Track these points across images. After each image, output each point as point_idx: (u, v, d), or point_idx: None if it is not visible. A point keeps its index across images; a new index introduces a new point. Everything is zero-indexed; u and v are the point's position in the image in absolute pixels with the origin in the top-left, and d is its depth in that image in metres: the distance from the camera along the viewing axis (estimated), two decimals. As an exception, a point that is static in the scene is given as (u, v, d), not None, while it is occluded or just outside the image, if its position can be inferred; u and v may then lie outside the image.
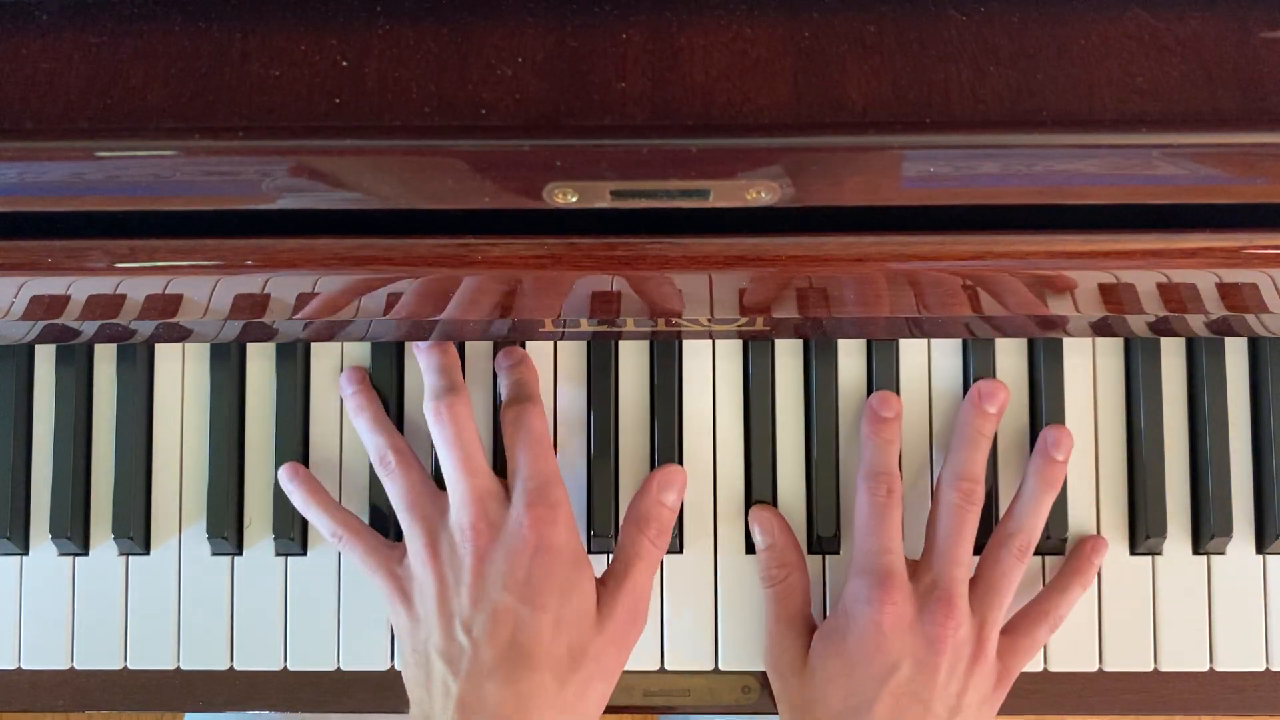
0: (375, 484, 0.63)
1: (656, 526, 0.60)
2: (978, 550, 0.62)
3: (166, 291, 0.52)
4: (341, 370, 0.64)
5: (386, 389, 0.64)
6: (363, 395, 0.63)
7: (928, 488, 0.64)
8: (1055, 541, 0.63)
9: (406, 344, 0.65)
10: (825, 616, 0.62)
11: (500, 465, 0.63)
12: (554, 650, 0.56)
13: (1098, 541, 0.63)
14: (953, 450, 0.62)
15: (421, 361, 0.62)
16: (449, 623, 0.57)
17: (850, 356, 0.64)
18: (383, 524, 0.63)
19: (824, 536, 0.63)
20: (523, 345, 0.64)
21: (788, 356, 0.64)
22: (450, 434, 0.60)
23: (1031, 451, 0.63)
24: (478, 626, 0.56)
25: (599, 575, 0.60)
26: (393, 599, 0.60)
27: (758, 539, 0.63)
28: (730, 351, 0.65)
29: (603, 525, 0.63)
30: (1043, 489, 0.61)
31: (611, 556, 0.61)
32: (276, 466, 0.64)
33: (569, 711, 0.57)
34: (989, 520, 0.62)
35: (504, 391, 0.63)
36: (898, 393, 0.63)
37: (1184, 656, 0.63)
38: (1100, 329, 0.60)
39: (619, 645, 0.59)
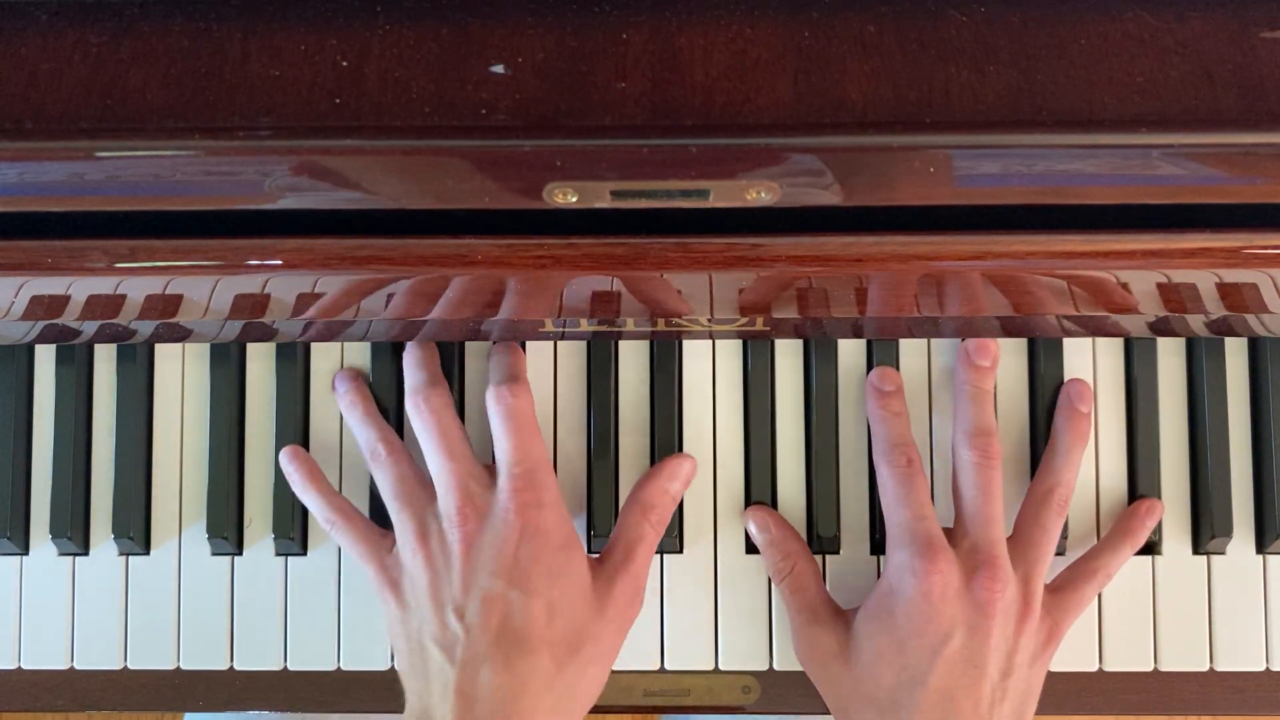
0: (375, 482, 0.63)
1: (659, 513, 0.61)
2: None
3: (166, 291, 0.52)
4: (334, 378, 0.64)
5: (386, 389, 0.64)
6: (355, 392, 0.63)
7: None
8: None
9: (407, 344, 0.65)
10: (834, 609, 0.62)
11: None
12: (549, 634, 0.56)
13: (1154, 504, 0.62)
14: (958, 412, 0.61)
15: (406, 355, 0.62)
16: (441, 610, 0.57)
17: (850, 356, 0.64)
18: (382, 521, 0.63)
19: (824, 536, 0.63)
20: (523, 345, 0.64)
21: (788, 356, 0.64)
22: (430, 422, 0.60)
23: (1054, 414, 0.63)
24: (470, 613, 0.56)
25: (596, 555, 0.60)
26: (383, 589, 0.60)
27: (756, 537, 0.63)
28: (730, 351, 0.65)
29: (603, 525, 0.63)
30: (1074, 441, 0.61)
31: (612, 536, 0.61)
32: (277, 467, 0.64)
33: (567, 693, 0.57)
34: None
35: (490, 374, 0.62)
36: (905, 405, 0.63)
37: (1184, 656, 0.63)
38: (1100, 329, 0.60)
39: (618, 626, 0.59)
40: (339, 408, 0.64)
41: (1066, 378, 0.63)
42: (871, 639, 0.58)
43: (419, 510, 0.59)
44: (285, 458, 0.63)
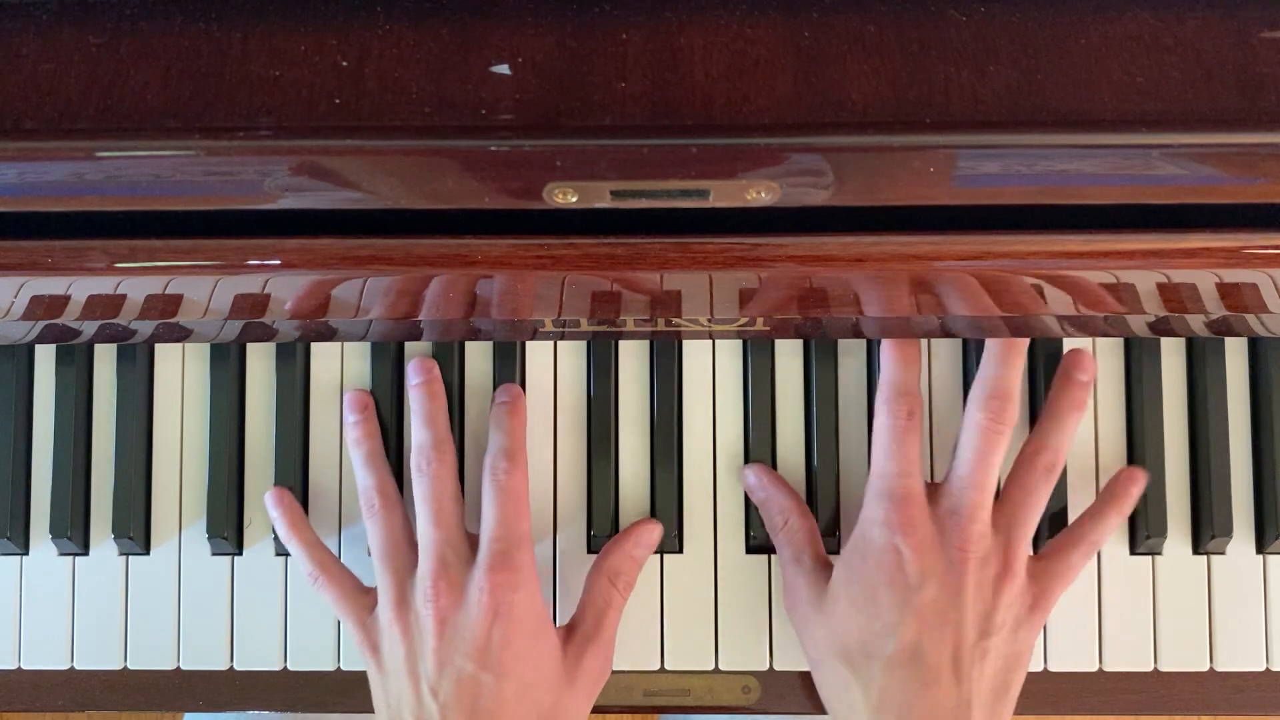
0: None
1: (625, 578, 0.61)
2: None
3: (166, 291, 0.52)
4: (342, 370, 0.64)
5: (386, 391, 0.64)
6: (364, 427, 0.63)
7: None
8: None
9: (406, 344, 0.65)
10: (822, 560, 0.62)
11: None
12: (521, 711, 0.57)
13: (1134, 471, 0.62)
14: (983, 367, 0.60)
15: (412, 401, 0.62)
16: (417, 685, 0.57)
17: (850, 356, 0.64)
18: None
19: (825, 535, 0.63)
20: (523, 345, 0.64)
21: (788, 356, 0.64)
22: (427, 488, 0.60)
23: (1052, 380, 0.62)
24: (444, 692, 0.57)
25: (565, 624, 0.61)
26: (363, 648, 0.60)
27: (752, 495, 0.63)
28: (730, 351, 0.65)
29: (601, 526, 0.63)
30: (1068, 409, 0.61)
31: (580, 604, 0.61)
32: (277, 466, 0.64)
33: None
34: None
35: (491, 438, 0.62)
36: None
37: (1184, 656, 0.63)
38: (1100, 329, 0.60)
39: (588, 695, 0.60)
40: (344, 436, 0.64)
41: (1066, 377, 0.63)
42: (845, 587, 0.58)
43: (400, 574, 0.59)
44: (270, 501, 0.63)
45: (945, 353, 0.64)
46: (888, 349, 0.60)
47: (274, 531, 0.63)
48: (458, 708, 0.56)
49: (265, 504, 0.63)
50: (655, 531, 0.62)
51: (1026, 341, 0.60)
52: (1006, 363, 0.59)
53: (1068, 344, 0.64)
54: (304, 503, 0.64)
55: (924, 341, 0.64)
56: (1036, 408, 0.64)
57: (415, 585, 0.59)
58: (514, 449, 0.61)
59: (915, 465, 0.59)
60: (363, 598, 0.61)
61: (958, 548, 0.57)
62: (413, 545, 0.60)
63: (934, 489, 0.60)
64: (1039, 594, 0.59)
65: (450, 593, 0.58)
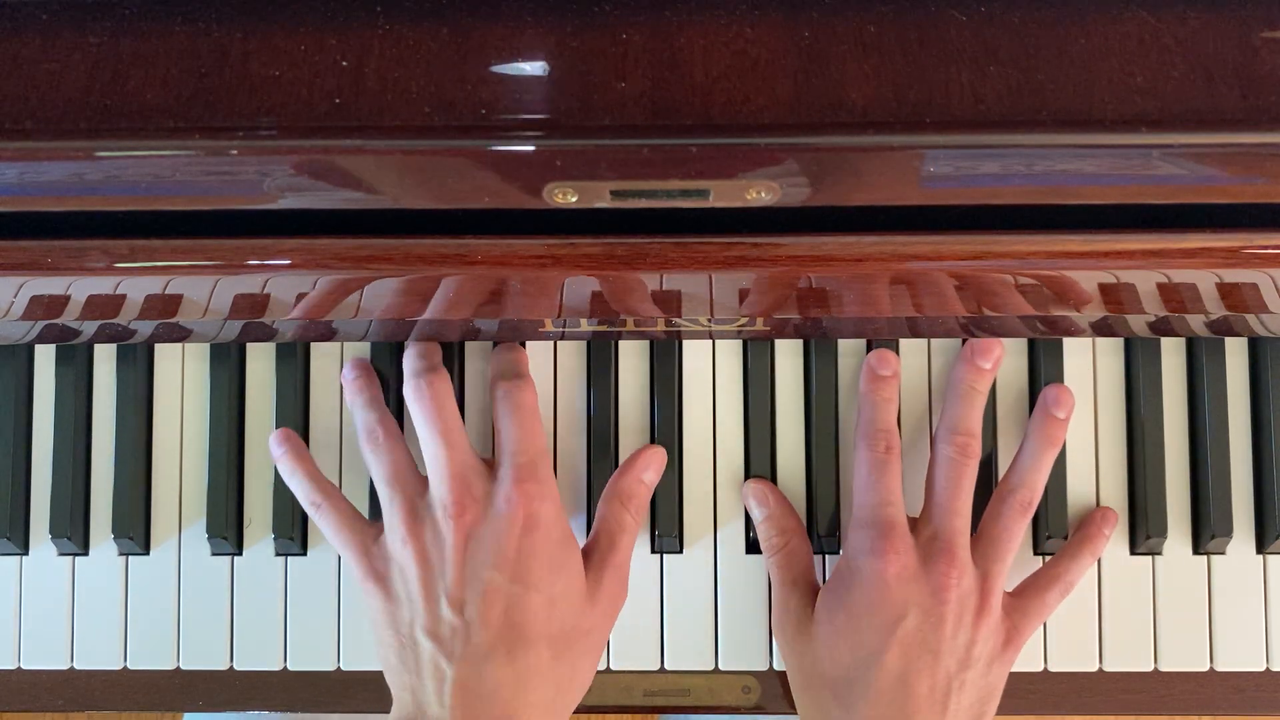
0: (369, 466, 0.62)
1: (637, 502, 0.61)
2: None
3: (166, 291, 0.52)
4: (342, 370, 0.64)
5: (385, 388, 0.64)
6: (363, 379, 0.63)
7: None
8: (1058, 541, 0.63)
9: (407, 344, 0.64)
10: (813, 586, 0.62)
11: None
12: (549, 628, 0.56)
13: (1107, 512, 0.63)
14: (947, 406, 0.62)
15: (406, 352, 0.62)
16: (434, 603, 0.56)
17: (850, 356, 0.64)
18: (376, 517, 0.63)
19: (824, 536, 0.63)
20: (523, 345, 0.64)
21: (788, 356, 0.64)
22: (429, 408, 0.59)
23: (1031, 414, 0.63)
24: (470, 606, 0.56)
25: (583, 546, 0.61)
26: (366, 579, 0.58)
27: (754, 511, 0.63)
28: (730, 351, 0.65)
29: (603, 525, 0.63)
30: (1043, 446, 0.61)
31: (594, 529, 0.61)
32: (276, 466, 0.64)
33: (564, 684, 0.57)
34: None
35: (492, 371, 0.62)
36: (898, 393, 0.63)
37: (1184, 656, 0.63)
38: (1100, 329, 0.60)
39: (608, 617, 0.60)
40: (345, 395, 0.63)
41: (1067, 378, 0.63)
42: (830, 614, 0.59)
43: (410, 495, 0.59)
44: (274, 439, 0.62)
45: (946, 353, 0.64)
46: (865, 388, 0.62)
47: (274, 532, 0.64)
48: (484, 623, 0.55)
49: (270, 445, 0.62)
50: (660, 454, 0.63)
51: (988, 384, 0.62)
52: (969, 403, 0.61)
53: (1068, 370, 0.64)
54: (304, 503, 0.64)
55: (924, 341, 0.64)
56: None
57: (432, 504, 0.58)
58: (521, 371, 0.61)
59: (896, 495, 0.60)
60: (366, 527, 0.60)
61: (940, 576, 0.58)
62: (419, 474, 0.60)
63: (912, 522, 0.60)
64: (1011, 629, 0.60)
65: (474, 506, 0.57)
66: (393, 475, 0.59)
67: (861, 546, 0.59)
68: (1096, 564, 0.63)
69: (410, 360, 0.61)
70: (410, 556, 0.57)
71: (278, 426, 0.64)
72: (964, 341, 0.63)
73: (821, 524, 0.63)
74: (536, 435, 0.59)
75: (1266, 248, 0.48)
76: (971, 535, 0.60)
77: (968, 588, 0.58)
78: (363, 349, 0.65)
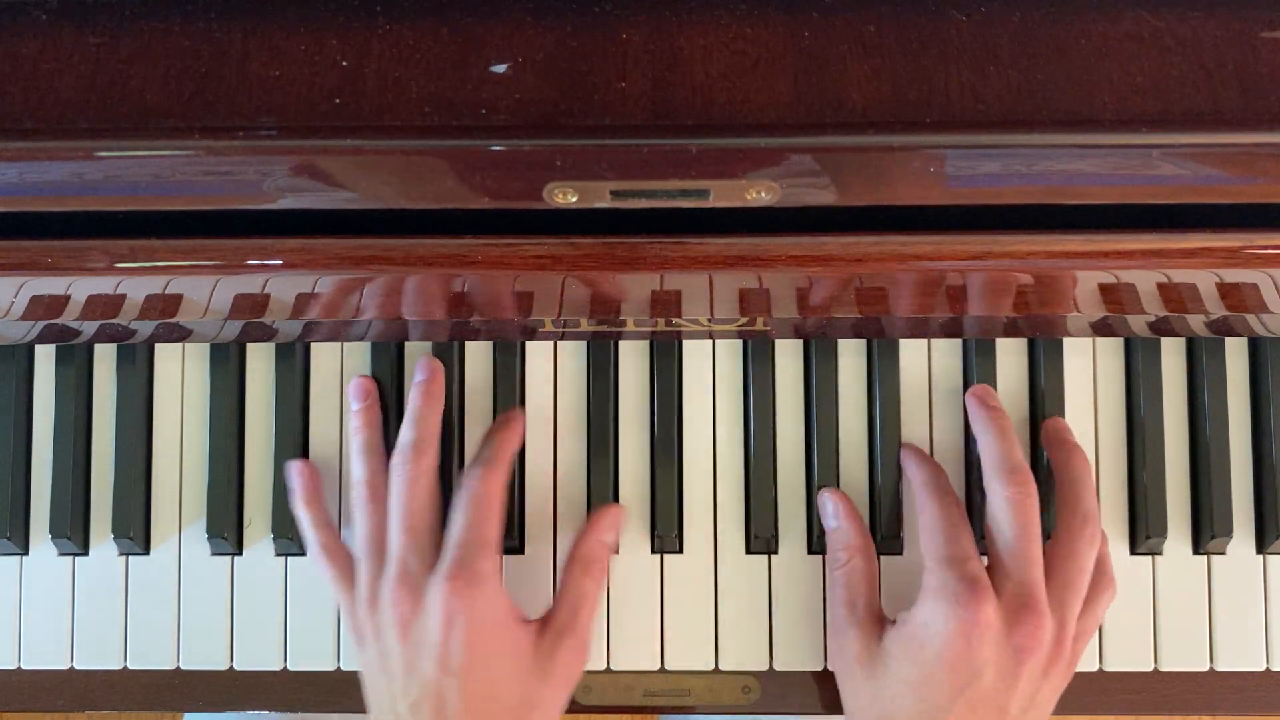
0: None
1: (599, 566, 0.61)
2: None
3: (166, 291, 0.52)
4: (342, 370, 0.64)
5: (386, 388, 0.64)
6: (365, 415, 0.63)
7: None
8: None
9: (407, 344, 0.65)
10: (875, 614, 0.61)
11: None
12: (491, 709, 0.57)
13: (1104, 544, 0.62)
14: (984, 448, 0.60)
15: (410, 397, 0.62)
16: (391, 682, 0.58)
17: (850, 356, 0.64)
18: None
19: (825, 536, 0.63)
20: (523, 345, 0.64)
21: (788, 356, 0.64)
22: (401, 493, 0.60)
23: (1041, 445, 0.63)
24: (412, 695, 0.57)
25: (541, 616, 0.60)
26: (353, 634, 0.60)
27: (826, 521, 0.63)
28: (730, 351, 0.65)
29: (603, 525, 0.63)
30: (1085, 469, 0.61)
31: (556, 596, 0.61)
32: (276, 466, 0.64)
33: None
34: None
35: (480, 447, 0.62)
36: (898, 393, 0.63)
37: (1184, 656, 0.63)
38: (1100, 329, 0.60)
39: (560, 689, 0.59)
40: (347, 425, 0.64)
41: (1066, 378, 0.63)
42: (899, 662, 0.57)
43: (374, 573, 0.59)
44: (294, 469, 0.63)
45: (945, 353, 0.64)
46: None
47: (274, 532, 0.64)
48: (430, 709, 0.56)
49: (286, 471, 0.63)
50: (619, 514, 0.63)
51: (1009, 418, 0.61)
52: (1005, 438, 0.60)
53: (1068, 370, 0.64)
54: (304, 503, 0.64)
55: (925, 341, 0.64)
56: (1036, 407, 0.64)
57: (383, 587, 0.59)
58: (496, 458, 0.61)
59: (973, 545, 0.58)
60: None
61: (1026, 638, 0.56)
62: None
63: (989, 569, 0.58)
64: (1073, 659, 0.59)
65: (410, 599, 0.58)
66: (367, 548, 0.60)
67: (942, 608, 0.56)
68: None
69: (406, 428, 0.61)
70: (370, 633, 0.59)
71: (278, 426, 0.64)
72: (964, 342, 0.63)
73: (822, 524, 0.63)
74: (485, 525, 0.59)
75: (1266, 248, 0.48)
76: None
77: (1047, 640, 0.57)
78: (363, 349, 0.65)
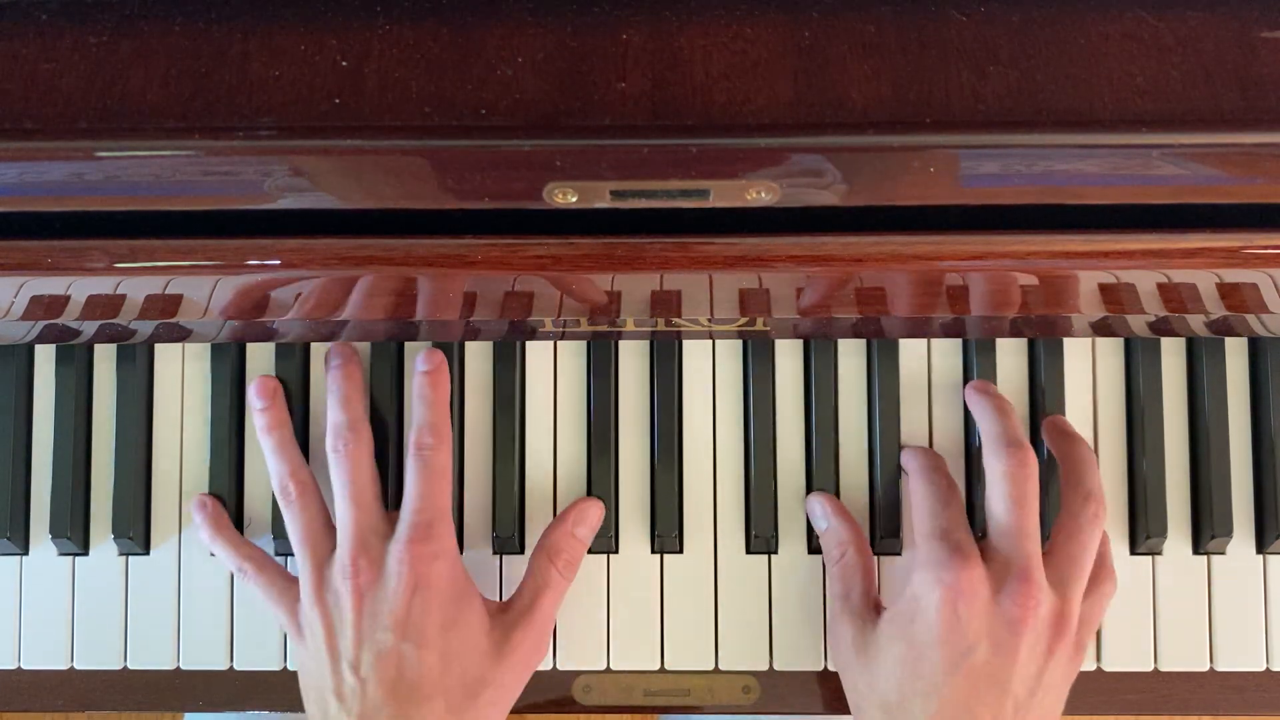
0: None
1: (566, 557, 0.61)
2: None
3: (166, 291, 0.52)
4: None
5: (385, 390, 0.64)
6: (273, 413, 0.63)
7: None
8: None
9: (406, 343, 0.64)
10: (870, 602, 0.61)
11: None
12: (445, 681, 0.57)
13: (1104, 536, 0.61)
14: (984, 426, 0.60)
15: (329, 383, 0.62)
16: (337, 662, 0.57)
17: (850, 356, 0.64)
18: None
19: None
20: (523, 345, 0.64)
21: (788, 356, 0.64)
22: (344, 469, 0.60)
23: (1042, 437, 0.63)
24: (364, 665, 0.57)
25: (507, 600, 0.61)
26: (292, 636, 0.60)
27: (816, 523, 0.63)
28: (730, 351, 0.65)
29: (601, 527, 0.63)
30: (1086, 452, 0.60)
31: (521, 582, 0.61)
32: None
33: None
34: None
35: (414, 411, 0.62)
36: (897, 393, 0.63)
37: (1184, 656, 0.63)
38: (1100, 329, 0.60)
39: (516, 671, 0.60)
40: (253, 423, 0.63)
41: (1067, 378, 0.63)
42: (892, 641, 0.57)
43: (319, 558, 0.59)
44: (194, 506, 0.63)
45: (945, 353, 0.64)
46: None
47: (273, 532, 0.63)
48: (379, 680, 0.56)
49: (192, 510, 0.63)
50: (596, 509, 0.63)
51: (1007, 401, 0.61)
52: (1004, 415, 0.60)
53: (1068, 370, 0.64)
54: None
55: (925, 341, 0.64)
56: (1036, 407, 0.64)
57: (333, 566, 0.59)
58: (438, 423, 0.61)
59: (963, 519, 0.58)
60: (290, 586, 0.61)
61: (1017, 609, 0.55)
62: (330, 530, 0.60)
63: (980, 544, 0.58)
64: (1078, 642, 0.58)
65: (370, 569, 0.58)
66: (303, 538, 0.60)
67: (929, 578, 0.56)
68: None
69: (332, 410, 0.61)
70: (316, 618, 0.58)
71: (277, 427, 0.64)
72: (964, 342, 0.63)
73: (821, 524, 0.63)
74: (438, 494, 0.59)
75: (1266, 248, 0.48)
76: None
77: (1045, 615, 0.56)
78: (362, 349, 0.65)
